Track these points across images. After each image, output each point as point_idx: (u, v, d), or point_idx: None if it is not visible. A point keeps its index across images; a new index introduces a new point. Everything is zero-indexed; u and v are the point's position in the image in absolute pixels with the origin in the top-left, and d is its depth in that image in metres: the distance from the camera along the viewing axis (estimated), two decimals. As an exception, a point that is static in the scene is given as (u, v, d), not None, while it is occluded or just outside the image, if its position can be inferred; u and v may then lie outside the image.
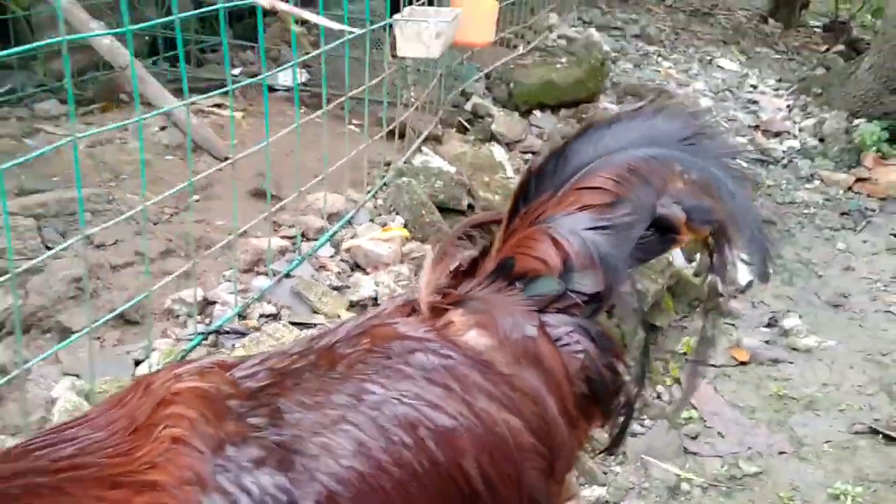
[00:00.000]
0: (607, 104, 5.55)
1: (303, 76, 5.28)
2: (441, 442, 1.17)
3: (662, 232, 1.11)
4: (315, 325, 2.54)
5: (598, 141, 1.09)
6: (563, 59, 5.37)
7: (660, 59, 7.26)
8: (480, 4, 4.31)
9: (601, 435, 1.29)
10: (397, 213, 3.31)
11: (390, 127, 3.62)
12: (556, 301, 1.15)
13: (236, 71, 5.44)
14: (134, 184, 3.20)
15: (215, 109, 4.18)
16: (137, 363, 2.27)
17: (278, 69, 4.17)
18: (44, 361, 2.29)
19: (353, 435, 1.15)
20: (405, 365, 1.21)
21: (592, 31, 6.42)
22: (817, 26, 10.70)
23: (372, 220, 3.25)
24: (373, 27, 3.30)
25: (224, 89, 2.63)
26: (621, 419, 1.22)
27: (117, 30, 2.16)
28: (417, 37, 3.42)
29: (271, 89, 4.75)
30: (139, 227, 2.96)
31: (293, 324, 2.46)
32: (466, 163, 3.76)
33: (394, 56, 3.65)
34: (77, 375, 2.22)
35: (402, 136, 3.87)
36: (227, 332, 2.43)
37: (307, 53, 3.55)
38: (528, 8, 6.31)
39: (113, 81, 4.38)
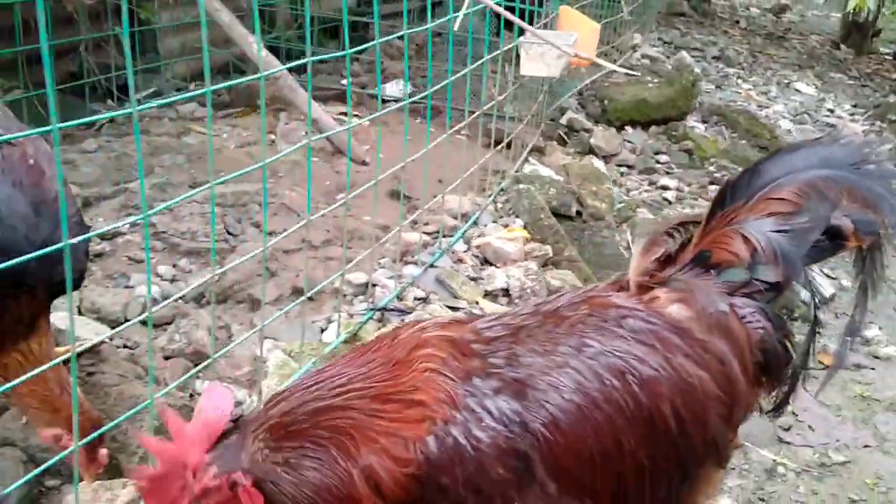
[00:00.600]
0: (694, 122, 5.87)
1: (408, 88, 5.69)
2: (644, 387, 1.53)
3: (833, 238, 1.45)
4: (460, 308, 2.92)
5: (785, 162, 1.44)
6: (655, 79, 5.70)
7: (739, 80, 7.54)
8: (584, 26, 4.67)
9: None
10: (517, 216, 3.68)
11: (507, 140, 3.99)
12: (743, 287, 1.50)
13: (345, 81, 5.87)
14: (290, 181, 3.63)
15: (342, 117, 4.61)
16: (322, 331, 2.67)
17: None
18: (241, 327, 2.72)
19: (574, 377, 1.52)
20: (617, 327, 1.57)
21: (684, 53, 6.72)
22: (888, 54, 10.84)
23: (495, 222, 3.63)
24: (505, 48, 3.67)
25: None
26: (786, 387, 1.57)
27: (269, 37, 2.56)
28: (541, 57, 3.79)
29: (383, 100, 5.18)
30: (300, 218, 3.38)
31: (447, 306, 2.84)
32: (574, 173, 4.12)
33: (516, 76, 4.03)
34: (273, 338, 2.63)
35: (508, 146, 4.24)
36: (392, 310, 2.82)
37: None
38: (612, 27, 6.65)
39: (252, 87, 4.83)
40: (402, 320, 2.68)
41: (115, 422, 1.82)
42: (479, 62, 3.39)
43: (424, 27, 2.88)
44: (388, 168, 3.41)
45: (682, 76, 5.71)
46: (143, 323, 2.64)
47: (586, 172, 4.15)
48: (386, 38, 3.14)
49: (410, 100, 2.78)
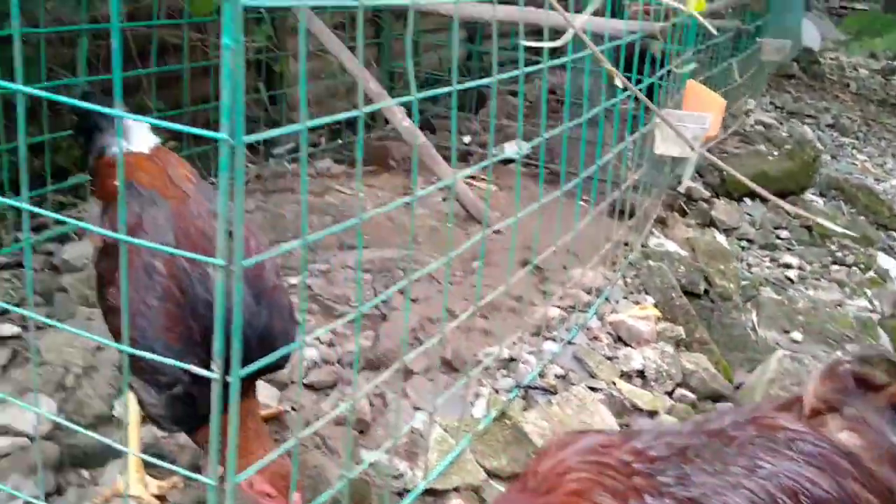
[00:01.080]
0: (812, 196, 5.84)
1: (524, 148, 5.83)
2: None
3: None
4: (599, 389, 3.01)
5: None
6: (774, 152, 5.71)
7: (854, 151, 7.46)
8: (710, 101, 4.74)
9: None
10: (647, 293, 3.76)
11: (636, 210, 4.08)
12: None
13: (466, 139, 6.05)
14: (429, 247, 3.79)
15: (470, 181, 4.77)
16: (471, 404, 2.80)
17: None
18: (395, 395, 2.86)
19: (748, 496, 1.59)
20: (787, 449, 1.64)
21: (806, 128, 6.70)
22: None
23: (626, 297, 3.71)
24: (645, 129, 3.78)
25: (484, 163, 3.16)
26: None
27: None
28: (675, 138, 3.88)
29: (507, 161, 5.33)
30: (440, 286, 3.54)
31: (588, 387, 2.94)
32: (701, 250, 4.17)
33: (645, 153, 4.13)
34: (419, 408, 2.77)
35: (630, 215, 4.33)
36: (535, 388, 2.93)
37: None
38: (722, 92, 6.68)
39: (384, 147, 5.05)
40: (550, 401, 2.79)
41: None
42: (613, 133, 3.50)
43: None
44: (518, 235, 3.54)
45: (803, 151, 5.70)
46: (307, 386, 2.83)
47: (713, 250, 4.20)
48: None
49: (545, 167, 2.89)
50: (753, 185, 2.14)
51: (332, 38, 4.20)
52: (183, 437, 2.45)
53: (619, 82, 2.59)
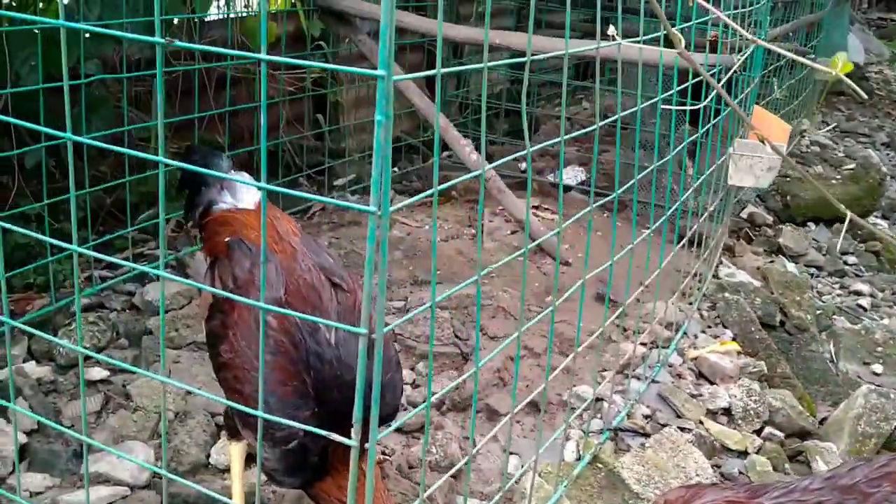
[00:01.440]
0: (876, 219, 5.74)
1: (580, 175, 5.80)
2: None
3: None
4: (688, 429, 2.95)
5: None
6: (838, 176, 5.62)
7: (913, 170, 7.33)
8: (776, 126, 4.67)
9: None
10: (725, 327, 3.70)
11: (713, 242, 4.03)
12: None
13: (522, 166, 6.03)
14: (502, 282, 3.77)
15: (535, 211, 4.75)
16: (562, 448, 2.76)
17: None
18: (482, 437, 2.84)
19: None
20: None
21: (871, 152, 6.59)
22: None
23: (703, 332, 3.65)
24: (722, 159, 3.73)
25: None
26: None
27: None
28: (749, 169, 3.83)
29: (566, 188, 5.30)
30: (517, 322, 3.51)
31: (679, 428, 2.89)
32: (775, 280, 4.10)
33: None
34: (513, 452, 2.74)
35: (698, 244, 4.27)
36: (626, 431, 2.89)
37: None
38: (779, 114, 6.60)
39: (445, 178, 5.05)
40: (642, 444, 2.74)
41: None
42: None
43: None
44: (588, 268, 3.51)
45: (868, 174, 5.61)
46: (396, 430, 2.81)
47: (787, 280, 4.13)
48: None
49: (609, 197, 2.85)
50: (847, 213, 2.10)
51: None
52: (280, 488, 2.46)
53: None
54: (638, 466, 2.59)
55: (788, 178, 5.58)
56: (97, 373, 2.89)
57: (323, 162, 4.78)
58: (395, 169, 5.44)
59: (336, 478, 2.00)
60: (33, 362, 2.93)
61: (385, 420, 2.08)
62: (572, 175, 5.64)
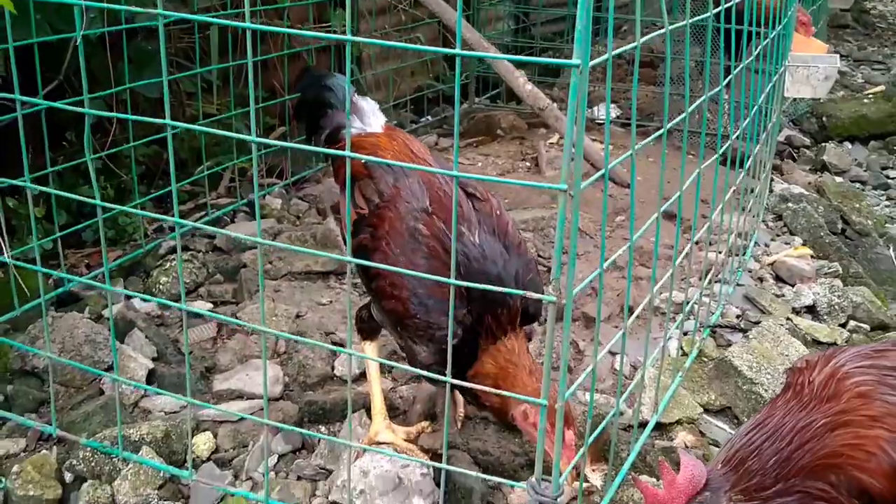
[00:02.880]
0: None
1: (614, 111, 5.84)
2: None
3: None
4: (780, 325, 3.03)
5: None
6: (870, 95, 5.69)
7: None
8: (818, 48, 4.73)
9: None
10: (793, 234, 3.77)
11: (762, 159, 4.08)
12: None
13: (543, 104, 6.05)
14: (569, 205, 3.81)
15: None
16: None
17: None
18: (585, 343, 2.91)
19: None
20: None
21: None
22: None
23: (773, 240, 3.72)
24: (780, 71, 3.78)
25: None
26: None
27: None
28: (806, 80, 3.88)
29: (602, 123, 5.35)
30: (594, 240, 3.58)
31: (789, 319, 2.97)
32: (831, 191, 4.17)
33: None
34: (615, 353, 2.81)
35: (740, 164, 4.32)
36: (724, 328, 2.96)
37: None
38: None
39: (490, 117, 5.09)
40: (746, 336, 2.81)
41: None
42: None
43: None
44: (650, 188, 3.56)
45: (901, 91, 5.67)
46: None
47: (843, 190, 4.20)
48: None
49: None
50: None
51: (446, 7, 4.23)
52: (406, 390, 2.52)
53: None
54: (747, 355, 2.66)
55: (822, 101, 5.63)
56: (202, 305, 2.94)
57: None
58: (429, 117, 5.44)
59: (482, 365, 2.05)
60: (137, 299, 2.97)
61: (533, 316, 2.14)
62: (604, 110, 5.68)
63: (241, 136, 1.70)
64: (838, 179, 4.72)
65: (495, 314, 2.01)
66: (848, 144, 5.48)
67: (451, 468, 1.76)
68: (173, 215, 1.79)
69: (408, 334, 2.04)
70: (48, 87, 2.93)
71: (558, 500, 1.66)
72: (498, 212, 2.12)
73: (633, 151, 1.84)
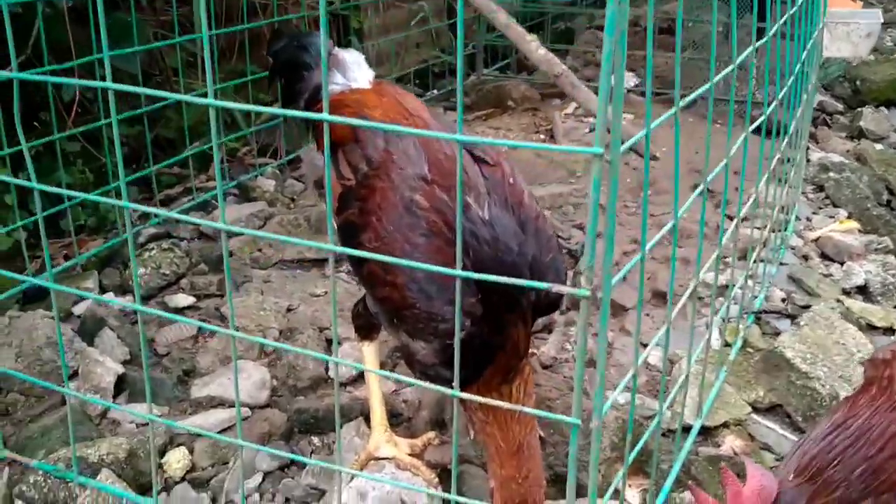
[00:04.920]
0: (949, 101, 5.42)
1: (632, 80, 5.49)
2: None
3: None
4: (831, 309, 2.70)
5: None
6: (905, 57, 5.31)
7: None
8: (850, 5, 4.36)
9: None
10: (836, 206, 3.42)
11: (804, 128, 3.73)
12: None
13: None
14: (589, 180, 3.48)
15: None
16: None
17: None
18: (613, 333, 2.59)
19: None
20: None
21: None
22: None
23: (815, 213, 3.38)
24: (819, 29, 3.42)
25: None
26: None
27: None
28: (847, 37, 3.53)
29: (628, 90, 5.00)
30: (617, 217, 3.24)
31: (839, 301, 2.64)
32: (874, 159, 3.82)
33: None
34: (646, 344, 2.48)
35: (777, 133, 3.97)
36: (769, 313, 2.63)
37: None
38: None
39: (500, 88, 4.74)
40: (797, 323, 2.48)
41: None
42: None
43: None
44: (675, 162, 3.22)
45: (940, 51, 5.28)
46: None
47: (887, 157, 3.84)
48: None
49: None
50: None
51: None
52: (410, 394, 2.21)
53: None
54: (799, 345, 2.34)
55: (855, 64, 5.25)
56: (182, 299, 2.64)
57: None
58: (435, 90, 5.10)
59: (494, 375, 1.73)
60: (111, 293, 2.67)
61: (553, 304, 1.82)
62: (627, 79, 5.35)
63: (194, 97, 1.37)
64: (878, 147, 4.35)
65: (514, 323, 1.70)
66: (884, 109, 5.10)
67: (461, 499, 1.43)
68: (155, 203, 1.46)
69: (405, 328, 1.72)
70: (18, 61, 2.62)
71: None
72: (511, 179, 1.79)
73: (676, 109, 1.50)
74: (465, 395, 1.33)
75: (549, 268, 1.77)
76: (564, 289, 1.27)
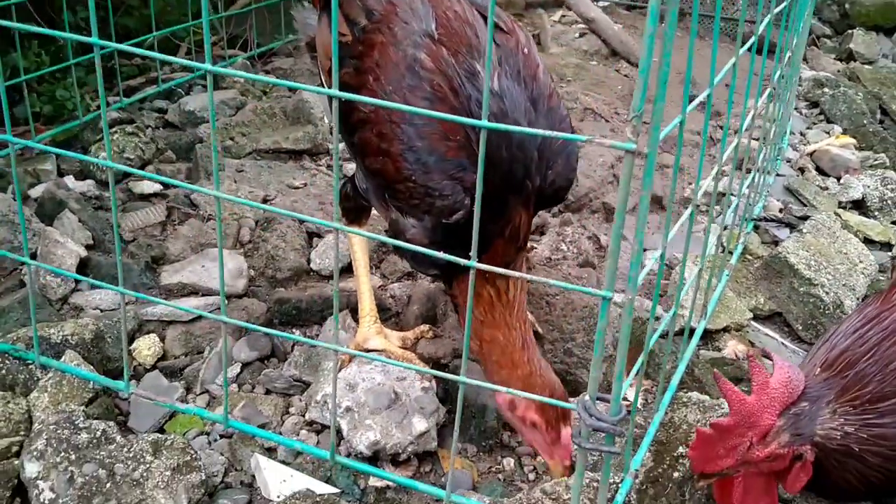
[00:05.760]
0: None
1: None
2: None
3: None
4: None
5: None
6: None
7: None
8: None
9: None
10: (831, 122, 3.32)
11: (798, 43, 3.60)
12: None
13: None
14: (580, 86, 3.32)
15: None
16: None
17: None
18: (607, 237, 2.47)
19: None
20: None
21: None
22: None
23: (809, 128, 3.28)
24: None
25: None
26: None
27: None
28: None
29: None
30: (608, 123, 3.10)
31: (837, 215, 2.56)
32: (867, 77, 3.72)
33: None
34: (646, 249, 2.38)
35: (759, 51, 3.85)
36: (768, 220, 2.53)
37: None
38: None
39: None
40: (800, 231, 2.38)
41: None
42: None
43: None
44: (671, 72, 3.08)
45: (932, -24, 5.15)
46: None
47: (881, 77, 3.74)
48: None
49: None
50: None
51: None
52: (398, 289, 2.07)
53: None
54: (803, 252, 2.25)
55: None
56: (148, 186, 2.45)
57: None
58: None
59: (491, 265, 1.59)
60: (71, 177, 2.47)
61: (557, 194, 1.68)
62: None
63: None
64: (867, 69, 4.26)
65: (515, 207, 1.55)
66: (873, 34, 4.99)
67: (468, 381, 1.30)
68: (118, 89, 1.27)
69: (397, 203, 1.56)
70: None
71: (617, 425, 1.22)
72: (526, 49, 1.62)
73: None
74: (482, 266, 1.19)
75: (559, 152, 1.62)
76: (607, 141, 1.14)
